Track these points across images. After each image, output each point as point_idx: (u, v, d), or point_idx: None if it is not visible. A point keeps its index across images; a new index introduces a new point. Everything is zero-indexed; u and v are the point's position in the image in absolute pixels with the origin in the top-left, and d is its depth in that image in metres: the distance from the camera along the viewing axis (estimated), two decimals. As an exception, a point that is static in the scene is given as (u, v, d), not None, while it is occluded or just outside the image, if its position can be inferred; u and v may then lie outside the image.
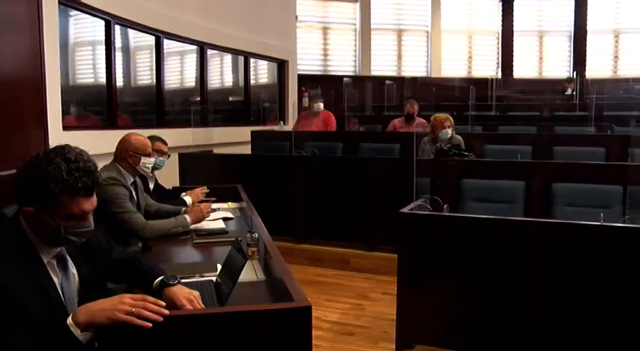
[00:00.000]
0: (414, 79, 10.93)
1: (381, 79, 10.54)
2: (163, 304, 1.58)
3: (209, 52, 7.33)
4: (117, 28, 5.59)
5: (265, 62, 9.00)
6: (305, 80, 10.00)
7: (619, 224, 2.98)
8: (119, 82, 5.70)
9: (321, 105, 7.01)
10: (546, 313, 2.88)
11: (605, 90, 9.76)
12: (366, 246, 4.93)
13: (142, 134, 3.19)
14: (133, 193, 3.03)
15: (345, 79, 9.75)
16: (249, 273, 2.28)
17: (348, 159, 5.82)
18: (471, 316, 3.06)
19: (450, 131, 5.06)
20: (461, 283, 3.08)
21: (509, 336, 2.97)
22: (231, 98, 8.47)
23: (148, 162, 3.10)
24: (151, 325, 1.49)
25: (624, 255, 2.76)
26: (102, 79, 5.48)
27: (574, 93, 10.42)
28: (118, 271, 1.96)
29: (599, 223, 2.90)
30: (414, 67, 12.07)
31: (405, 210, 3.27)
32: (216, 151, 6.50)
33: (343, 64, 11.69)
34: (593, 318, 2.80)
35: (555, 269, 2.87)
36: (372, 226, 4.91)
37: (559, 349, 2.89)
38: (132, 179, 3.05)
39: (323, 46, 11.51)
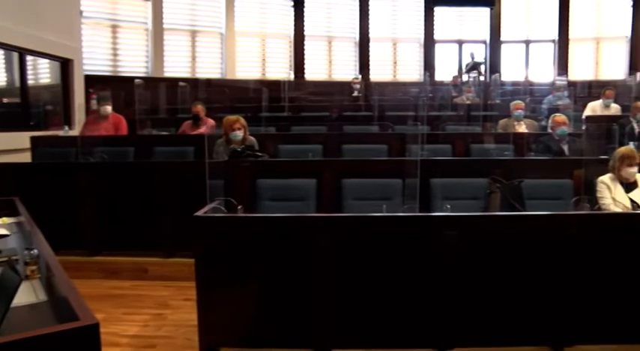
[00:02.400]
0: (208, 81, 10.85)
1: (174, 81, 10.28)
2: None
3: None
4: None
5: (46, 61, 8.22)
6: (93, 81, 9.34)
7: (399, 214, 3.29)
8: None
9: (109, 108, 6.64)
10: (340, 302, 3.06)
11: (386, 92, 10.69)
12: (165, 253, 4.78)
13: None
14: None
15: (136, 80, 9.29)
16: (28, 294, 2.07)
17: (139, 164, 5.57)
18: (271, 314, 3.13)
19: (239, 133, 5.10)
20: (260, 282, 3.14)
21: (308, 329, 3.10)
22: (5, 100, 7.59)
23: None
24: None
25: (405, 242, 3.05)
26: None
27: (360, 95, 11.22)
28: None
29: (382, 214, 3.18)
30: (208, 69, 11.99)
31: (200, 213, 3.24)
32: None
33: (134, 64, 11.16)
34: (385, 304, 3.05)
35: (346, 261, 3.06)
36: (169, 231, 4.78)
37: (353, 335, 3.09)
38: None
39: (112, 46, 10.86)
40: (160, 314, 3.97)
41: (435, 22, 13.23)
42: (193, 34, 11.84)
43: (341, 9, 13.13)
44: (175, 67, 11.57)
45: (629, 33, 13.17)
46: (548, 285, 3.10)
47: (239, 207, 3.66)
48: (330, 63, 13.21)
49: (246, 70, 12.41)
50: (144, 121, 7.75)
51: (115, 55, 10.90)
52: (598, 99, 8.43)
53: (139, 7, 11.09)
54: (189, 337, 3.48)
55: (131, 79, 9.74)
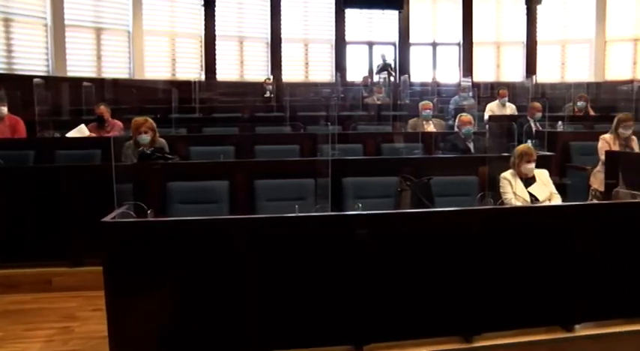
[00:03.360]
0: (115, 81, 10.42)
1: (78, 81, 9.79)
2: None
3: None
4: None
5: None
6: (-17, 80, 8.74)
7: (311, 214, 3.31)
8: None
9: (5, 109, 6.22)
10: (256, 303, 3.03)
11: (298, 93, 10.74)
12: (71, 262, 4.53)
13: None
14: None
15: (35, 79, 8.74)
16: None
17: (41, 168, 5.25)
18: (186, 320, 3.05)
19: (147, 136, 4.94)
20: (173, 288, 3.04)
21: (225, 333, 3.04)
22: None
23: None
24: None
25: (319, 241, 3.06)
26: None
27: (272, 95, 11.20)
28: None
29: (294, 214, 3.18)
30: (115, 69, 11.53)
31: (107, 219, 3.10)
32: None
33: (33, 62, 10.51)
34: (301, 303, 3.05)
35: (259, 262, 3.03)
36: (76, 239, 4.53)
37: (271, 336, 3.07)
38: None
39: (6, 42, 10.17)
40: (66, 327, 3.76)
41: (345, 24, 13.43)
42: (98, 31, 11.33)
43: (252, 9, 13.04)
44: (79, 66, 11.02)
45: (524, 38, 14.00)
46: (457, 277, 3.21)
47: (149, 211, 3.54)
48: (242, 63, 13.11)
49: (156, 70, 12.06)
50: (45, 122, 7.33)
51: (10, 51, 10.21)
52: (496, 100, 8.91)
53: (36, 0, 10.45)
54: (100, 349, 3.31)
55: (29, 77, 9.16)
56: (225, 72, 12.80)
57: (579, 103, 8.93)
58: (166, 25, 12.23)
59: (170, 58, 12.38)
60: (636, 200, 3.84)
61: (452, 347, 3.20)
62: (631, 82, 12.52)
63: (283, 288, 3.06)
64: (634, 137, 5.98)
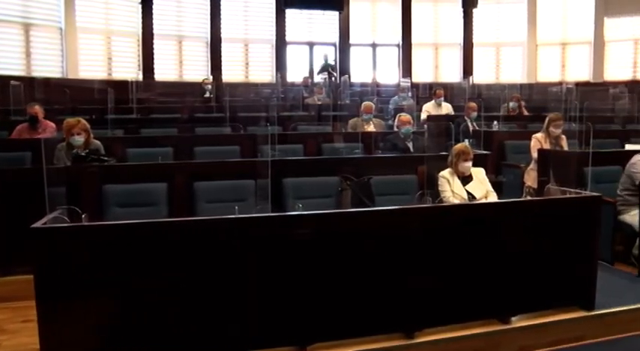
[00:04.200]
0: (47, 80, 10.00)
1: (5, 79, 9.34)
2: None
3: None
4: None
5: None
6: None
7: (251, 215, 3.27)
8: None
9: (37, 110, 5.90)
10: (195, 307, 2.97)
11: (238, 93, 10.64)
12: (0, 271, 4.32)
13: None
14: None
15: (-46, 78, 8.32)
16: None
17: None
18: (125, 327, 2.95)
19: (80, 137, 4.76)
20: (109, 294, 2.93)
21: (164, 338, 2.97)
22: None
23: None
24: None
25: (260, 242, 3.03)
26: None
27: (212, 96, 11.05)
28: None
29: (234, 216, 3.13)
30: (46, 67, 11.08)
31: (38, 224, 2.96)
32: None
33: (-45, 59, 9.99)
34: (243, 306, 3.01)
35: (199, 265, 2.98)
36: (4, 247, 4.31)
37: (210, 339, 3.01)
38: None
39: None
40: (-8, 341, 3.59)
41: (286, 24, 13.40)
42: (27, 27, 10.82)
43: (191, 8, 12.81)
44: (6, 63, 10.50)
45: (461, 40, 14.38)
46: (398, 275, 3.26)
47: (83, 215, 3.40)
48: (181, 63, 12.86)
49: (90, 69, 11.64)
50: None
51: None
52: (432, 100, 9.10)
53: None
54: (31, 362, 3.18)
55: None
56: (164, 72, 12.52)
57: (511, 104, 9.27)
58: (101, 22, 11.83)
59: (106, 56, 11.99)
60: (566, 196, 3.99)
61: (394, 344, 3.24)
62: (560, 83, 13.09)
63: (225, 290, 3.01)
64: (563, 136, 6.24)
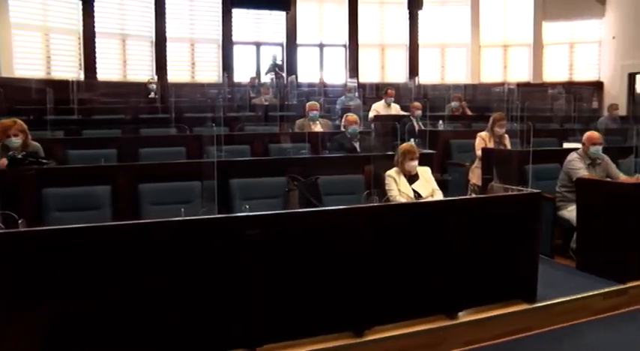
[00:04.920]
0: (-22, 79, 9.58)
1: None
2: None
3: None
4: None
5: None
6: None
7: (198, 217, 3.22)
8: None
9: None
10: (143, 312, 2.90)
11: (183, 93, 10.46)
12: None
13: None
14: None
15: None
16: None
17: None
18: (65, 335, 2.83)
19: (17, 139, 4.54)
20: (49, 302, 2.80)
21: (109, 344, 2.88)
22: None
23: None
24: None
25: (206, 244, 2.99)
26: None
27: (157, 96, 10.84)
28: None
29: (180, 218, 3.07)
30: (-23, 65, 10.58)
31: (-31, 231, 2.82)
32: None
33: None
34: (191, 308, 2.95)
35: (146, 269, 2.91)
36: None
37: (157, 344, 2.95)
38: None
39: None
40: None
41: (232, 24, 13.27)
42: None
43: (135, 6, 12.48)
44: None
45: (407, 41, 14.59)
46: (347, 274, 3.27)
47: (20, 221, 3.28)
48: (125, 63, 12.54)
49: (27, 67, 11.19)
50: None
51: None
52: (381, 100, 9.19)
53: None
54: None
55: None
56: (107, 71, 12.16)
57: (453, 104, 9.50)
58: (38, 19, 11.37)
59: (44, 55, 11.54)
60: (508, 193, 4.11)
61: (344, 343, 3.25)
62: (502, 84, 13.49)
63: (172, 293, 2.95)
64: (507, 135, 6.42)
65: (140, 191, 4.36)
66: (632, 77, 13.34)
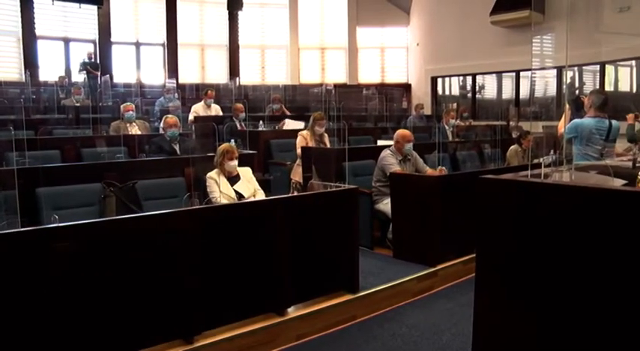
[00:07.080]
0: None
1: None
2: None
3: None
4: None
5: None
6: None
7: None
8: None
9: None
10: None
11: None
12: None
13: None
14: None
15: None
16: None
17: None
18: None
19: None
20: None
21: None
22: None
23: None
24: None
25: (10, 261, 2.69)
26: None
27: None
28: None
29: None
30: None
31: None
32: None
33: None
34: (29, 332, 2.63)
35: None
36: None
37: None
38: None
39: None
40: None
41: (35, 15, 12.14)
42: None
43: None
44: None
45: (227, 42, 14.57)
46: (171, 280, 3.18)
47: None
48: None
49: None
50: None
51: None
52: (201, 101, 9.07)
53: None
54: None
55: None
56: None
57: (274, 106, 9.71)
58: None
59: None
60: (327, 190, 4.28)
61: (177, 351, 3.17)
62: (320, 85, 14.09)
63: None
64: (326, 134, 6.72)
65: None
66: (434, 80, 14.81)
